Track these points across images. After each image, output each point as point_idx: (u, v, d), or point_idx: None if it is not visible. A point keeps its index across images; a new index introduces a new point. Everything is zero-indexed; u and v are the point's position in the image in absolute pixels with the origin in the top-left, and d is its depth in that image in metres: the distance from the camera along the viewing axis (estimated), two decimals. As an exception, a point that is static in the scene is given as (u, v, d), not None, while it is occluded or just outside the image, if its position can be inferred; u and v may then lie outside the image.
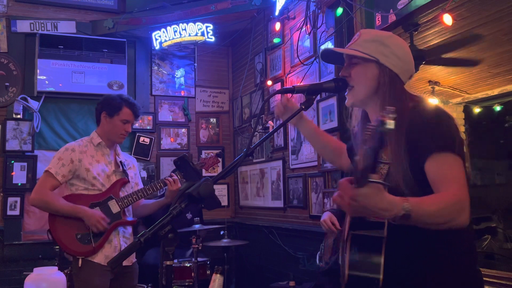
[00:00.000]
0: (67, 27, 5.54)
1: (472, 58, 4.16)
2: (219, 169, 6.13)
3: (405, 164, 1.47)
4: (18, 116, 5.27)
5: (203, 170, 5.71)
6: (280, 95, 1.85)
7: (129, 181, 3.17)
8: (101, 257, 2.96)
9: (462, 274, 1.52)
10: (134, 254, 3.14)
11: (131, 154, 5.39)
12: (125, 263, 3.04)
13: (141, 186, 3.29)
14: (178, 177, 3.14)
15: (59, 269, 2.95)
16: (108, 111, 3.12)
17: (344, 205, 1.29)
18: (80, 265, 2.93)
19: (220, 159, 3.46)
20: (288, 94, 1.80)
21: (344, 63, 1.69)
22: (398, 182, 1.47)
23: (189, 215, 4.81)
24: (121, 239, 3.07)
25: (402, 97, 1.59)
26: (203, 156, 3.50)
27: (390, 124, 1.15)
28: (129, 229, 3.16)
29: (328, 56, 1.74)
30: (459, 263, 1.52)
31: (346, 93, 1.68)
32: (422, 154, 1.46)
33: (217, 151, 3.48)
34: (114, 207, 3.04)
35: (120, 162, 3.17)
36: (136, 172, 3.34)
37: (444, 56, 4.12)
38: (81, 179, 3.01)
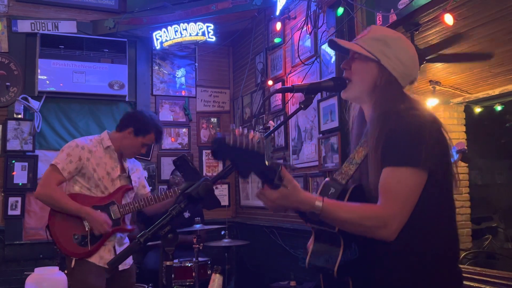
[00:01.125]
0: (68, 27, 5.55)
1: (485, 52, 4.12)
2: (220, 166, 6.14)
3: (375, 168, 1.50)
4: (19, 116, 5.27)
5: (204, 168, 5.75)
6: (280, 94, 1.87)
7: (132, 188, 3.18)
8: (96, 257, 2.96)
9: (436, 281, 1.50)
10: (131, 257, 3.14)
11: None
12: (121, 267, 3.04)
13: (148, 188, 3.34)
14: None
15: (60, 269, 2.96)
16: (136, 129, 3.10)
17: (268, 206, 1.48)
18: (72, 266, 2.92)
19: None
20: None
21: (349, 54, 1.69)
22: (367, 184, 1.52)
23: (186, 214, 4.80)
24: (116, 242, 3.07)
25: (395, 101, 1.56)
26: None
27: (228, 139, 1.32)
28: (126, 239, 3.19)
29: (335, 44, 1.71)
30: (433, 267, 1.49)
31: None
32: (383, 162, 1.48)
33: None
34: (115, 213, 3.04)
35: (126, 167, 3.17)
36: (140, 175, 3.33)
37: (445, 52, 4.10)
38: (86, 178, 3.00)
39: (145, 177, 3.51)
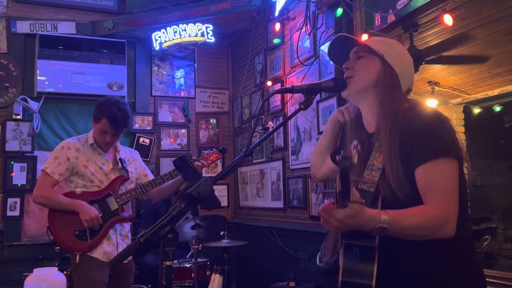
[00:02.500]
0: (67, 28, 5.54)
1: (479, 55, 4.13)
2: (219, 165, 6.14)
3: (398, 169, 1.48)
4: (18, 117, 5.27)
5: (203, 169, 5.74)
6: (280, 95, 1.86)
7: (128, 178, 3.18)
8: (100, 253, 3.00)
9: (459, 281, 1.51)
10: None
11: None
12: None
13: (151, 176, 3.31)
14: (172, 175, 3.17)
15: (59, 270, 2.95)
16: (94, 116, 3.12)
17: (331, 228, 1.36)
18: (77, 261, 2.97)
19: (222, 155, 3.44)
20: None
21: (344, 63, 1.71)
22: (391, 188, 1.48)
23: (190, 216, 4.80)
24: (118, 236, 3.10)
25: (398, 98, 1.60)
26: (205, 152, 3.46)
27: (354, 159, 1.21)
28: (126, 227, 3.18)
29: (336, 51, 1.73)
30: (454, 270, 1.51)
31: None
32: (414, 161, 1.48)
33: (220, 147, 3.46)
34: (113, 204, 3.07)
35: (120, 159, 3.17)
36: (137, 165, 3.32)
37: (444, 54, 4.11)
38: (80, 176, 3.05)
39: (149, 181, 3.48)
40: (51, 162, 3.03)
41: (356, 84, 1.64)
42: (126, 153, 3.30)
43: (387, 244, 1.43)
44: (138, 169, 3.31)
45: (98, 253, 2.99)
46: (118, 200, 3.08)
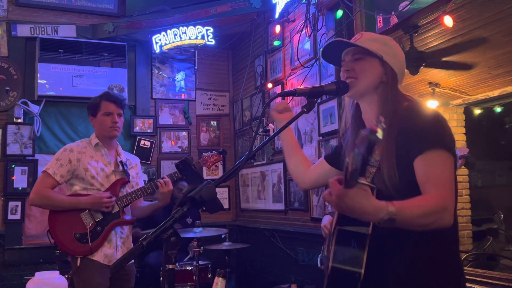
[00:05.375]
0: (67, 31, 5.55)
1: (468, 61, 4.15)
2: (220, 168, 6.14)
3: (393, 165, 1.51)
4: (19, 120, 5.27)
5: (204, 170, 5.75)
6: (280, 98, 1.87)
7: (129, 181, 3.18)
8: (101, 256, 2.98)
9: (446, 272, 1.54)
10: None
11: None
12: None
13: (141, 185, 3.28)
14: (172, 178, 3.16)
15: (60, 273, 2.95)
16: (91, 112, 3.17)
17: (331, 203, 1.34)
18: (78, 264, 2.95)
19: (222, 157, 3.45)
20: (278, 99, 1.83)
21: (342, 62, 1.73)
22: (386, 182, 1.51)
23: (189, 220, 4.81)
24: (119, 239, 3.08)
25: (399, 97, 1.65)
26: (205, 155, 3.48)
27: (380, 133, 1.21)
28: (126, 229, 3.17)
29: (329, 52, 1.76)
30: (443, 260, 1.54)
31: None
32: (412, 153, 1.50)
33: (220, 149, 3.46)
34: (113, 207, 3.05)
35: (121, 162, 3.17)
36: (138, 171, 3.33)
37: (445, 59, 4.12)
38: (80, 179, 3.03)
39: (144, 180, 3.51)
40: (53, 164, 3.02)
41: (360, 86, 1.66)
42: (128, 157, 3.30)
43: (379, 233, 1.44)
44: (138, 174, 3.32)
45: (99, 256, 2.98)
46: (118, 202, 3.07)
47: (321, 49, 1.76)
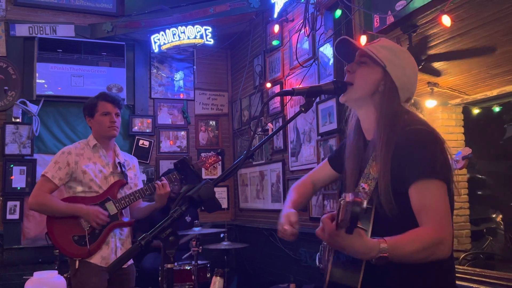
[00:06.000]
0: (65, 31, 5.55)
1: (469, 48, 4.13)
2: (218, 168, 6.14)
3: (389, 190, 1.49)
4: (17, 120, 5.27)
5: (203, 170, 5.75)
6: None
7: (127, 183, 3.17)
8: (98, 258, 2.98)
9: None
10: None
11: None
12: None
13: (140, 187, 3.28)
14: (170, 179, 3.16)
15: (59, 273, 2.94)
16: (88, 113, 3.16)
17: (324, 240, 1.36)
18: (77, 267, 2.95)
19: (220, 158, 3.45)
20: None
21: (348, 60, 1.71)
22: (381, 201, 1.50)
23: (188, 218, 4.81)
24: (118, 241, 3.08)
25: (396, 109, 1.60)
26: (203, 155, 3.49)
27: (364, 204, 1.21)
28: (125, 230, 3.17)
29: (341, 48, 1.73)
30: (438, 279, 1.54)
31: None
32: (406, 180, 1.48)
33: (218, 150, 3.48)
34: (111, 209, 3.05)
35: (119, 163, 3.17)
36: (136, 172, 3.33)
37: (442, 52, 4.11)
38: (78, 182, 3.03)
39: (143, 180, 3.51)
40: (51, 167, 3.02)
41: (354, 92, 1.64)
42: (126, 158, 3.30)
43: None
44: (136, 175, 3.33)
45: (96, 258, 2.98)
46: (117, 204, 3.06)
47: (335, 45, 1.71)
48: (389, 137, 1.53)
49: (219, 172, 6.20)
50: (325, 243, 2.94)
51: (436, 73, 4.34)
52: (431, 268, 1.50)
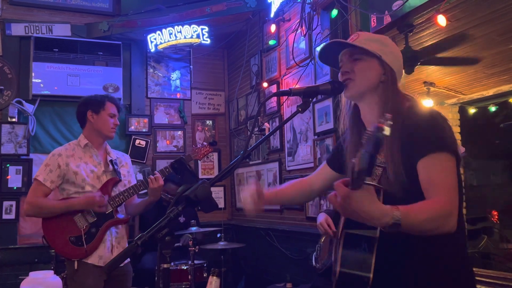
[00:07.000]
0: (62, 30, 5.53)
1: (470, 57, 4.16)
2: (215, 168, 6.14)
3: (399, 165, 1.50)
4: (13, 120, 5.25)
5: (200, 169, 5.74)
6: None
7: (121, 180, 3.16)
8: (95, 258, 2.97)
9: (454, 276, 1.53)
10: None
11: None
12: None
13: (134, 183, 3.26)
14: (163, 173, 3.16)
15: (55, 273, 2.94)
16: (93, 108, 3.14)
17: (337, 205, 1.30)
18: (76, 267, 2.94)
19: (212, 148, 3.47)
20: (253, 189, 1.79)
21: (340, 63, 1.71)
22: (392, 183, 1.49)
23: (182, 219, 4.79)
24: (114, 239, 3.07)
25: (399, 97, 1.63)
26: (195, 147, 3.52)
27: (387, 130, 1.17)
28: (121, 228, 3.16)
29: (326, 53, 1.74)
30: (451, 264, 1.53)
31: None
32: (416, 155, 1.49)
33: (211, 140, 3.49)
34: (107, 207, 3.04)
35: (111, 161, 3.16)
36: (129, 169, 3.32)
37: (439, 55, 4.13)
38: (71, 183, 3.02)
39: (139, 179, 3.50)
40: (42, 170, 3.01)
41: (359, 87, 1.64)
42: (118, 156, 3.29)
43: (387, 237, 1.41)
44: (129, 172, 3.31)
45: (93, 259, 2.96)
46: (111, 202, 3.05)
47: (318, 50, 1.74)
48: (395, 119, 1.51)
49: (216, 171, 6.20)
50: (321, 243, 2.95)
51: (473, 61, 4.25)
52: (444, 248, 1.51)
